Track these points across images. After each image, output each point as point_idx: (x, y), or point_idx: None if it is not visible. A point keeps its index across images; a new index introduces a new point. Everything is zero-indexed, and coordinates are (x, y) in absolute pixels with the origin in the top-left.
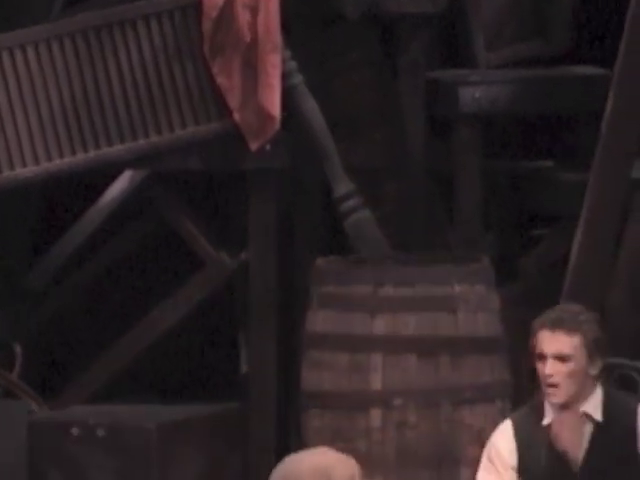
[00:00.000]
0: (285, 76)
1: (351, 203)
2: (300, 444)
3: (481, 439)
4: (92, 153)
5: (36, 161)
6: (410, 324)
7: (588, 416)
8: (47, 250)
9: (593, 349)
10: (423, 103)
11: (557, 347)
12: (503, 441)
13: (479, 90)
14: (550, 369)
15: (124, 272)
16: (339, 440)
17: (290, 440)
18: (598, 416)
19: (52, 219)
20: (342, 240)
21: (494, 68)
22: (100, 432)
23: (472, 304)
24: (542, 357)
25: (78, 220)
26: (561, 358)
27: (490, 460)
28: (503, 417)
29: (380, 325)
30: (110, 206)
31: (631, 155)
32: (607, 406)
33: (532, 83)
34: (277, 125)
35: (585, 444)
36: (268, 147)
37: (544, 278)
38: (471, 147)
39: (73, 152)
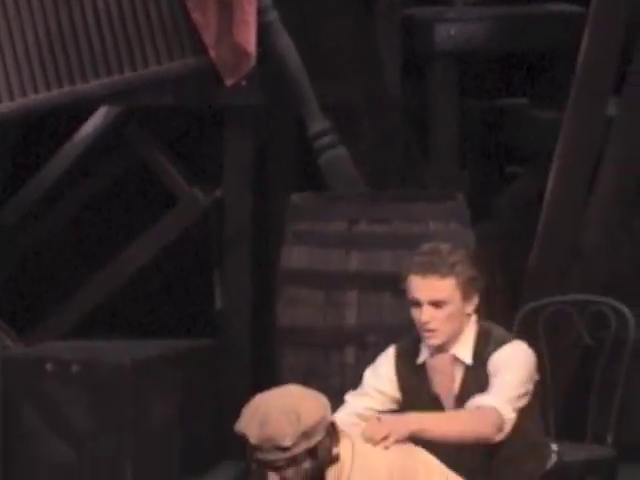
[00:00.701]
0: (260, 12)
1: (326, 140)
2: (274, 380)
3: None
4: (67, 89)
5: (11, 97)
6: (385, 261)
7: (458, 359)
8: (22, 186)
9: (467, 288)
10: (399, 41)
11: (431, 293)
12: (384, 368)
13: (455, 27)
14: (426, 316)
15: (99, 208)
16: (313, 377)
17: (264, 376)
18: (468, 359)
19: (27, 155)
20: (317, 177)
21: (471, 5)
22: (75, 368)
23: (446, 241)
24: (416, 303)
25: (53, 156)
26: (436, 303)
27: (365, 379)
28: None
29: (355, 262)
30: (85, 142)
31: (606, 93)
32: (478, 346)
33: (508, 20)
34: (252, 61)
35: (456, 387)
36: (243, 83)
37: (518, 216)
38: (447, 85)
39: (48, 88)
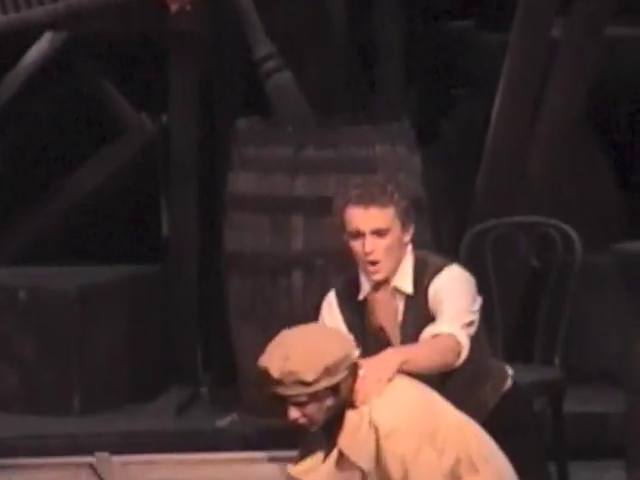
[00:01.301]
0: None
1: (272, 64)
2: (221, 306)
3: None
4: (12, 16)
5: None
6: (331, 185)
7: (399, 290)
8: None
9: (405, 218)
10: None
11: (373, 223)
12: (329, 314)
13: None
14: (370, 246)
15: (45, 136)
16: (260, 301)
17: (211, 302)
18: (408, 288)
19: None
20: (264, 102)
21: None
22: (21, 295)
23: (393, 165)
24: (358, 234)
25: None
26: (378, 233)
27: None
28: None
29: (301, 186)
30: (30, 69)
31: (551, 15)
32: (417, 275)
33: None
34: None
35: (399, 318)
36: (189, 9)
37: (465, 139)
38: (392, 9)
39: None
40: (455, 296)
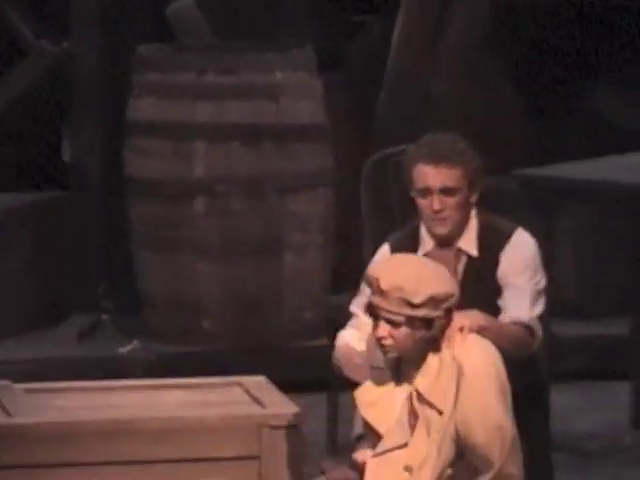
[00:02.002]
0: None
1: None
2: (125, 232)
3: (305, 226)
4: None
5: None
6: (233, 111)
7: (463, 251)
8: None
9: (473, 178)
10: None
11: (443, 180)
12: None
13: None
14: (438, 204)
15: None
16: (163, 227)
17: (114, 228)
18: (473, 250)
19: None
20: (165, 27)
21: None
22: None
23: (294, 91)
24: (427, 191)
25: None
26: (447, 191)
27: (363, 285)
28: (327, 203)
29: (203, 112)
30: None
31: None
32: (482, 238)
33: None
34: None
35: (459, 278)
36: None
37: (367, 65)
38: None
39: None
40: (530, 274)
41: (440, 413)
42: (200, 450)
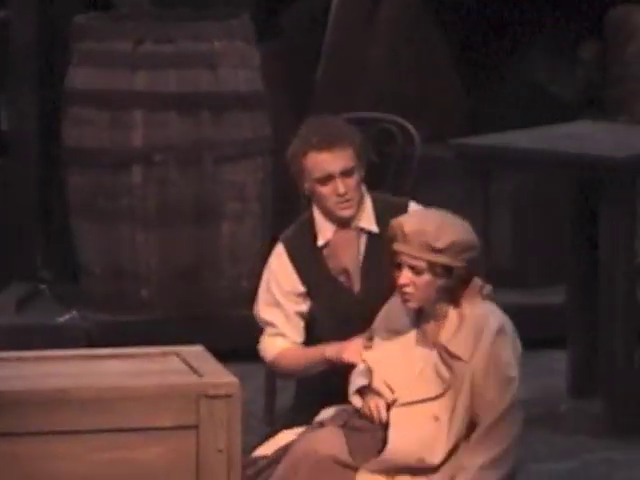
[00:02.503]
0: None
1: None
2: (62, 201)
3: (242, 194)
4: None
5: None
6: (171, 80)
7: (363, 229)
8: None
9: (362, 155)
10: None
11: (342, 163)
12: (279, 266)
13: None
14: (342, 187)
15: None
16: (101, 196)
17: (51, 197)
18: (373, 227)
19: None
20: None
21: None
22: None
23: (232, 60)
24: (329, 178)
25: None
26: (347, 172)
27: (269, 291)
28: (264, 172)
29: (140, 81)
30: None
31: None
32: (379, 213)
33: None
34: None
35: (361, 257)
36: None
37: (304, 33)
38: None
39: None
40: None
41: (464, 363)
42: (138, 420)
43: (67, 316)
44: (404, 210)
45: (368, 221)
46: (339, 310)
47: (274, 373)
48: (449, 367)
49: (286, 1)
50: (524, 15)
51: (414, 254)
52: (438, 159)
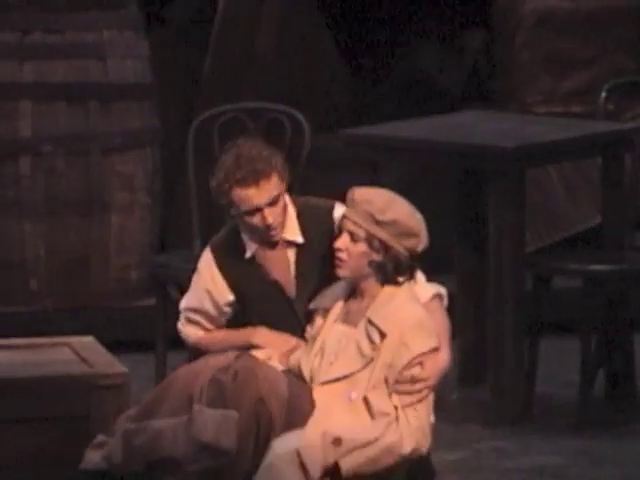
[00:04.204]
0: None
1: None
2: None
3: (131, 185)
4: None
5: None
6: (59, 71)
7: (290, 242)
8: None
9: (283, 173)
10: None
11: (268, 195)
12: (210, 276)
13: None
14: (270, 217)
15: None
16: None
17: None
18: (298, 238)
19: None
20: None
21: None
22: None
23: (120, 50)
24: (256, 210)
25: None
26: (274, 201)
27: (195, 293)
28: (153, 162)
29: (28, 73)
30: None
31: None
32: (303, 222)
33: None
34: None
35: (292, 268)
36: None
37: (193, 22)
38: None
39: None
40: None
41: (383, 336)
42: (28, 410)
43: None
44: (329, 213)
45: (293, 232)
46: (273, 317)
47: (197, 351)
48: (372, 342)
49: None
50: (410, 5)
51: (356, 220)
52: (327, 148)
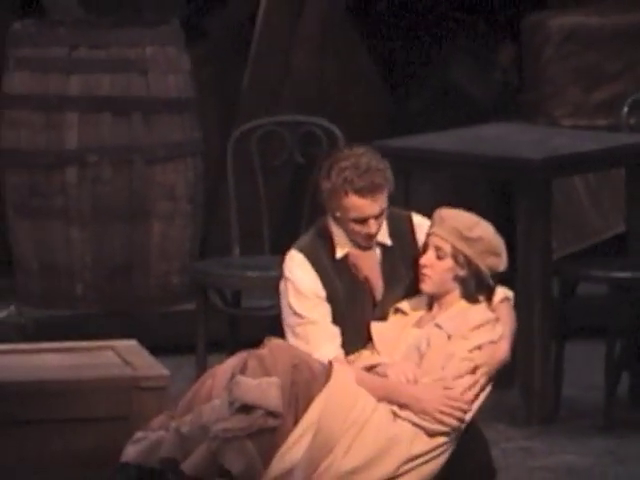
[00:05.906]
0: None
1: None
2: (0, 201)
3: (172, 194)
4: None
5: None
6: (104, 85)
7: (379, 243)
8: None
9: (391, 187)
10: None
11: (379, 208)
12: (304, 273)
13: None
14: (375, 227)
15: None
16: (37, 196)
17: None
18: (388, 241)
19: None
20: (38, 6)
21: None
22: None
23: (163, 65)
24: (364, 220)
25: None
26: (381, 214)
27: (299, 293)
28: (194, 173)
29: (75, 85)
30: None
31: None
32: (391, 227)
33: None
34: None
35: (378, 267)
36: None
37: (232, 37)
38: None
39: None
40: None
41: (448, 337)
42: (73, 411)
43: (5, 312)
44: (409, 219)
45: (383, 235)
46: (356, 315)
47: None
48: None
49: (214, 5)
50: (443, 20)
51: (443, 235)
52: None
